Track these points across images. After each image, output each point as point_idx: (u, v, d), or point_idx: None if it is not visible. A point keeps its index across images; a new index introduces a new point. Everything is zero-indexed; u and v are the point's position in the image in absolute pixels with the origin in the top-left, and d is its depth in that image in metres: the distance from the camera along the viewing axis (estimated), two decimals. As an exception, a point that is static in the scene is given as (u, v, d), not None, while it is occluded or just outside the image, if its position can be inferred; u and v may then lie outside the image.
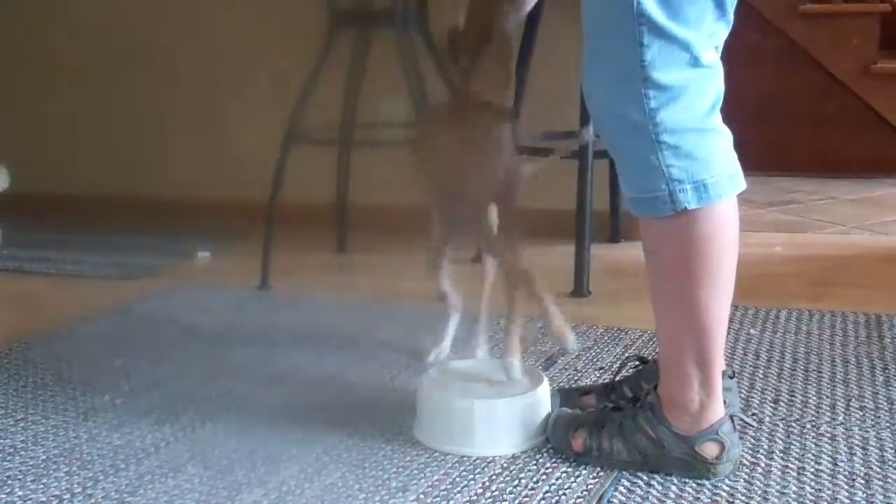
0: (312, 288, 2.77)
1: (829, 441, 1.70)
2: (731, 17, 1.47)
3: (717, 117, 1.48)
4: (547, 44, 2.92)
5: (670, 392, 1.57)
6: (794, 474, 1.58)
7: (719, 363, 1.56)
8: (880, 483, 1.55)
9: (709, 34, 1.44)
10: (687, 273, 1.48)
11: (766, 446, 1.68)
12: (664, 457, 1.57)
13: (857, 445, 1.68)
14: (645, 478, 1.57)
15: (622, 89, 1.44)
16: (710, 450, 1.56)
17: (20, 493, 1.58)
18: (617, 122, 1.47)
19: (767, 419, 1.80)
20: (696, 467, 1.56)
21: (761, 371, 2.04)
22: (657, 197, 1.46)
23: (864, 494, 1.51)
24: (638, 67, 1.41)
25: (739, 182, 1.50)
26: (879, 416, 1.80)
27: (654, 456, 1.58)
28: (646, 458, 1.58)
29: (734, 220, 1.50)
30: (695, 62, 1.42)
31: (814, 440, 1.71)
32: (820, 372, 2.03)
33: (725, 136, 1.49)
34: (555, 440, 1.69)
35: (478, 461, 1.65)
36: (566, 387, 1.90)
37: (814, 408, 1.85)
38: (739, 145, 1.53)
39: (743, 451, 1.64)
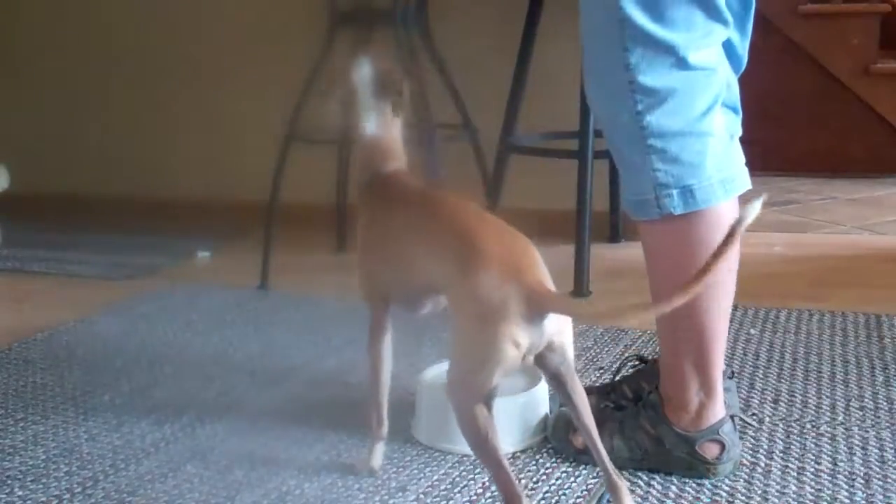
0: (312, 288, 2.77)
1: (829, 441, 1.70)
2: (728, 15, 1.44)
3: (713, 120, 1.45)
4: (547, 44, 2.91)
5: (669, 392, 1.57)
6: (794, 474, 1.58)
7: (719, 365, 1.56)
8: (880, 483, 1.55)
9: (702, 35, 1.42)
10: (681, 275, 1.46)
11: (766, 446, 1.69)
12: (664, 455, 1.57)
13: (857, 445, 1.68)
14: (645, 478, 1.57)
15: (612, 93, 1.45)
16: (710, 450, 1.56)
17: (20, 493, 1.58)
18: (612, 124, 1.49)
19: (767, 419, 1.80)
20: (697, 467, 1.56)
21: (761, 371, 2.04)
22: (645, 200, 1.46)
23: (864, 494, 1.51)
24: (624, 71, 1.42)
25: (736, 185, 1.47)
26: (879, 416, 1.80)
27: (655, 454, 1.58)
28: (646, 455, 1.58)
29: (731, 222, 1.49)
30: (681, 64, 1.41)
31: (814, 440, 1.71)
32: (820, 372, 2.03)
33: (721, 139, 1.46)
34: (555, 440, 1.69)
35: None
36: (566, 387, 1.90)
37: (814, 408, 1.85)
38: (739, 145, 1.52)
39: (743, 451, 1.64)
